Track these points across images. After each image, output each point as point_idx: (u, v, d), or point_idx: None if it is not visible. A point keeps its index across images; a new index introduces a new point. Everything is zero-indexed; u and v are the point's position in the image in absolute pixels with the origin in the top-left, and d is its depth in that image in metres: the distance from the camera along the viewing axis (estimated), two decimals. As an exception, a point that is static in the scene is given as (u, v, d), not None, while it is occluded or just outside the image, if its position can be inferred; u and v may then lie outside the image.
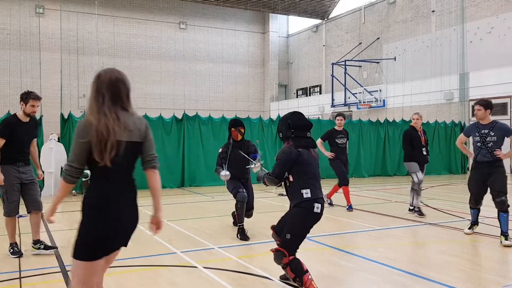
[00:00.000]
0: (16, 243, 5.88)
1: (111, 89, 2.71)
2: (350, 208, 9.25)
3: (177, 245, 6.20)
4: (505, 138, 6.45)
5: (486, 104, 6.48)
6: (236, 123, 7.00)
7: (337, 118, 9.75)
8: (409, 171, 8.65)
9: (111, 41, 29.05)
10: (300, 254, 5.79)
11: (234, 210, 7.05)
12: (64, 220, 8.38)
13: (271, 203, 10.38)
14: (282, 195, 11.73)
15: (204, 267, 5.12)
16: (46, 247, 5.89)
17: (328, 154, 9.52)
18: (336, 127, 9.69)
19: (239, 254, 5.80)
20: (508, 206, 6.27)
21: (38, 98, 5.64)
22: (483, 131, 6.46)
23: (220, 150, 7.11)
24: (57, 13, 26.97)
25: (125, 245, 2.88)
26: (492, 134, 6.40)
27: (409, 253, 5.82)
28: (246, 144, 6.98)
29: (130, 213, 2.82)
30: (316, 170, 4.31)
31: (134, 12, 29.78)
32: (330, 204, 9.74)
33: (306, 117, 4.69)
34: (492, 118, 6.59)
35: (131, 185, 2.85)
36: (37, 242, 5.85)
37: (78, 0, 28.05)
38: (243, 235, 6.66)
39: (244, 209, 6.78)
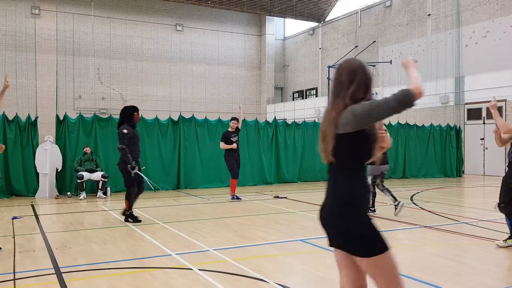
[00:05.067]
0: None
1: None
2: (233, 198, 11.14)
3: (172, 247, 6.19)
4: None
5: None
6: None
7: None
8: None
9: (107, 42, 28.99)
10: (295, 256, 5.81)
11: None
12: (59, 222, 8.34)
13: (267, 206, 10.38)
14: (278, 197, 11.74)
15: (199, 269, 5.11)
16: None
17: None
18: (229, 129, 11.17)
19: (234, 256, 5.79)
20: (507, 209, 6.02)
21: None
22: None
23: (125, 131, 7.80)
24: (53, 14, 26.90)
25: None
26: None
27: (404, 256, 5.83)
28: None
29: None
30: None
31: (130, 13, 29.73)
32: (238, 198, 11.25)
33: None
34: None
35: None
36: None
37: (74, 1, 27.96)
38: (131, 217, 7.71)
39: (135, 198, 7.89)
